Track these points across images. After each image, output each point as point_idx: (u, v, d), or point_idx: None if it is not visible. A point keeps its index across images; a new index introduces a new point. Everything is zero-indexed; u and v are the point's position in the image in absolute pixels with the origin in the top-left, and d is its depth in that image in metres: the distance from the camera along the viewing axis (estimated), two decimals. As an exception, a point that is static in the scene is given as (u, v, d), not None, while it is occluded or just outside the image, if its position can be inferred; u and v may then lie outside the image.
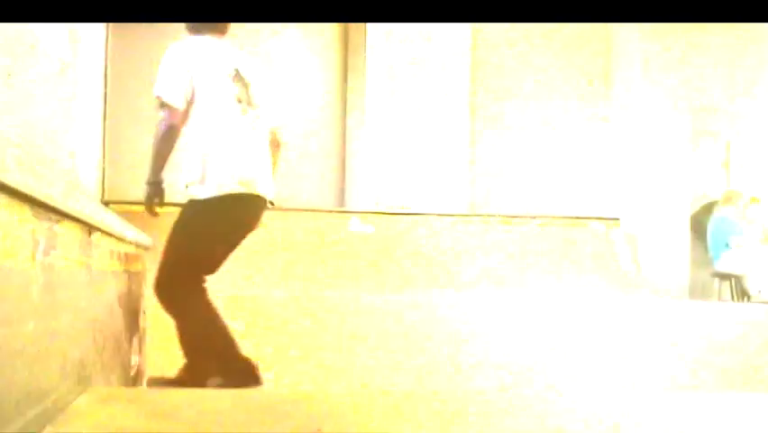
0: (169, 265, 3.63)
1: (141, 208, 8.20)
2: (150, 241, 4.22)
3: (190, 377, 3.38)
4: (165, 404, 1.96)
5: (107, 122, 8.09)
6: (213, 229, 3.75)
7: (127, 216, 7.94)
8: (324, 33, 9.34)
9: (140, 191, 8.04)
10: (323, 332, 5.48)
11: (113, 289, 2.29)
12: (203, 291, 3.62)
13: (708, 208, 9.45)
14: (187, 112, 3.64)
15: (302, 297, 6.65)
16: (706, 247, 9.08)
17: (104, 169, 8.09)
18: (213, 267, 3.78)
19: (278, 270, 7.94)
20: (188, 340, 3.48)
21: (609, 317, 5.87)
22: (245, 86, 3.72)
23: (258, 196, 3.84)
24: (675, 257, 8.98)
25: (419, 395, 3.21)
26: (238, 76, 3.68)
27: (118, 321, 2.38)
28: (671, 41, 8.89)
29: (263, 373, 3.58)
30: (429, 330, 5.50)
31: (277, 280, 7.86)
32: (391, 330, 5.53)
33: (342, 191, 9.23)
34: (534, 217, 8.71)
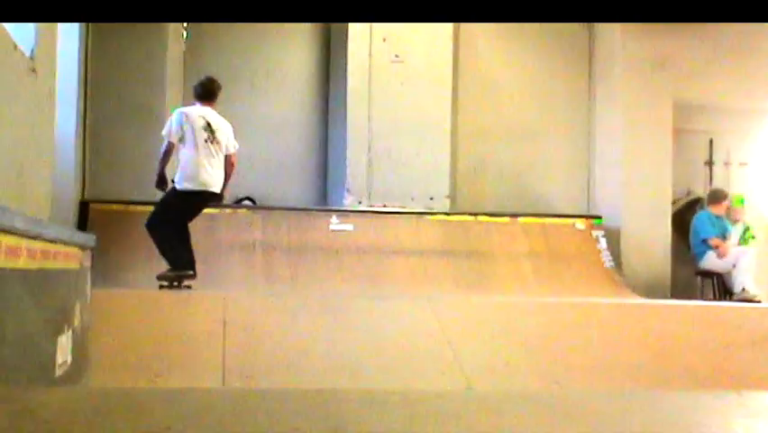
0: (158, 214, 6.75)
1: (120, 207, 8.26)
2: (92, 240, 4.25)
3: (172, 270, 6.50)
4: (33, 402, 1.93)
5: (87, 122, 8.07)
6: (181, 206, 6.72)
7: (106, 213, 8.07)
8: (306, 33, 9.31)
9: (119, 191, 8.16)
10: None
11: (17, 287, 2.25)
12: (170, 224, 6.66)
13: (691, 206, 9.46)
14: (179, 142, 6.65)
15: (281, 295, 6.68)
16: (689, 245, 9.07)
17: (83, 168, 8.07)
18: (180, 222, 6.74)
19: (258, 267, 7.96)
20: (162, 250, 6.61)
21: (583, 314, 5.85)
22: (212, 131, 6.74)
23: (210, 192, 6.75)
24: (658, 255, 8.98)
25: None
26: (208, 125, 6.71)
27: (29, 320, 2.35)
28: (652, 38, 8.88)
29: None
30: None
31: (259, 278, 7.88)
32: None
33: (324, 190, 9.21)
34: (517, 216, 8.70)
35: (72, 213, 7.76)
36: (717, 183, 9.59)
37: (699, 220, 8.66)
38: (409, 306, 5.66)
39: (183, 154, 6.67)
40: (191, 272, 6.60)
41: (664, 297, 8.66)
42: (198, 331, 5.00)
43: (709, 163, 9.71)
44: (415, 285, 7.80)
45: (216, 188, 6.77)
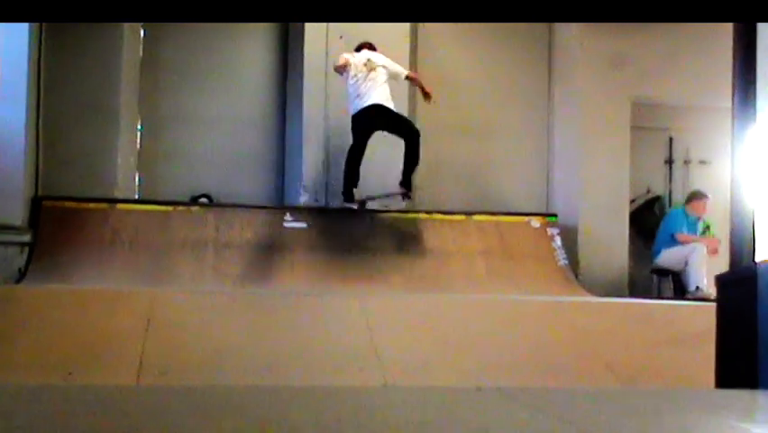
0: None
1: (74, 204, 8.25)
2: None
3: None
4: None
5: (40, 119, 8.07)
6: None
7: (59, 210, 8.07)
8: (264, 30, 9.32)
9: (73, 188, 8.16)
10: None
11: None
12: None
13: (649, 205, 9.46)
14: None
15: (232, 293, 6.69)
16: (647, 243, 9.08)
17: (37, 165, 8.08)
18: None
19: (209, 265, 7.96)
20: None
21: (515, 312, 5.86)
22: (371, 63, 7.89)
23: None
24: (615, 253, 8.98)
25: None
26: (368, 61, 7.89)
27: None
28: (610, 36, 8.88)
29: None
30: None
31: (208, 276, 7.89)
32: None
33: (281, 188, 9.22)
34: (471, 214, 8.70)
35: (23, 209, 7.76)
36: (677, 181, 9.60)
37: (672, 216, 8.69)
38: (339, 304, 5.66)
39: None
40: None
41: (621, 295, 8.67)
42: (120, 328, 5.00)
43: (669, 161, 9.72)
44: (365, 283, 7.81)
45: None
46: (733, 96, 7.19)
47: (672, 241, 8.53)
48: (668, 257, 8.53)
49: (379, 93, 7.83)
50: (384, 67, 7.97)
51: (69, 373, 4.50)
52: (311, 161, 8.72)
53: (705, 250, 8.26)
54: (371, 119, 7.80)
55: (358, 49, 8.21)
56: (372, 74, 7.88)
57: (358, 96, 7.87)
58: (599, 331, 5.57)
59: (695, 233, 8.64)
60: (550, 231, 8.66)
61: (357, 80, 7.90)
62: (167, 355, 4.85)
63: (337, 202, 8.64)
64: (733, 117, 6.61)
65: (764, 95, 6.52)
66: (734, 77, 7.27)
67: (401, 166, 8.77)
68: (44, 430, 1.81)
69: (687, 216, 8.64)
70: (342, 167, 8.71)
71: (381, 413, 2.16)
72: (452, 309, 5.82)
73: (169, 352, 4.87)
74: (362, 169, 8.71)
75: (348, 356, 4.98)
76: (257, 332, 5.15)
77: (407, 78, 8.20)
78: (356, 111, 7.85)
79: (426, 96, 8.11)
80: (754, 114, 6.36)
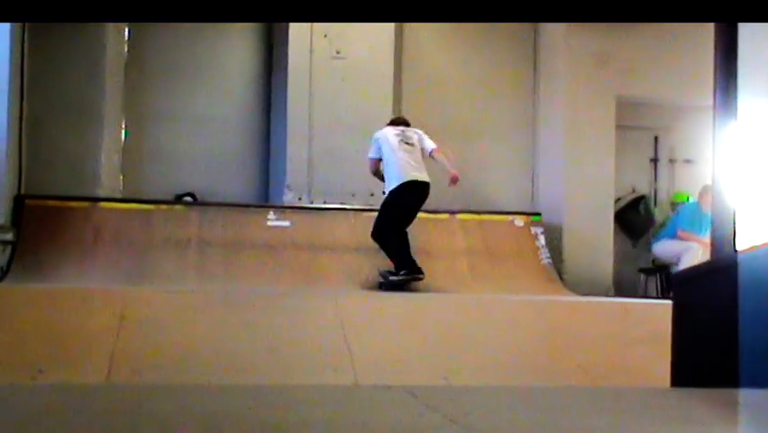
0: (381, 223, 7.46)
1: (57, 202, 8.26)
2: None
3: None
4: None
5: (24, 118, 8.07)
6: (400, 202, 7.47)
7: (42, 209, 8.07)
8: (248, 29, 9.32)
9: (56, 186, 8.16)
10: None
11: None
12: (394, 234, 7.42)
13: (634, 204, 9.47)
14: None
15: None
16: (632, 242, 9.10)
17: (20, 163, 8.08)
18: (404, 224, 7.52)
19: (191, 264, 7.97)
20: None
21: (490, 310, 5.86)
22: (407, 137, 7.63)
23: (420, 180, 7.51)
24: (600, 252, 8.98)
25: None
26: (402, 134, 7.63)
27: None
28: (595, 35, 8.88)
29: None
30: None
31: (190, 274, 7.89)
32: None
33: (266, 187, 9.23)
34: (455, 212, 8.70)
35: (6, 208, 7.75)
36: (662, 180, 9.61)
37: (683, 209, 8.71)
38: (313, 303, 5.67)
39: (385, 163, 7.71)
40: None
41: (606, 294, 8.67)
42: (93, 327, 5.01)
43: (654, 160, 9.72)
44: (348, 282, 7.82)
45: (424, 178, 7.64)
46: (714, 94, 7.19)
47: (675, 234, 8.53)
48: (663, 249, 8.55)
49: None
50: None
51: (39, 372, 4.50)
52: (295, 159, 8.72)
53: (700, 251, 8.16)
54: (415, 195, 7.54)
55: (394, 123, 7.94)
56: (409, 148, 7.62)
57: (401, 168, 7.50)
58: (574, 330, 5.58)
59: (706, 230, 8.58)
60: (533, 230, 8.66)
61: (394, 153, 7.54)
62: (138, 354, 4.86)
63: (321, 200, 8.67)
64: (714, 116, 6.62)
65: (745, 93, 6.53)
66: (715, 76, 7.27)
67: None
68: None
69: (702, 212, 8.41)
70: (326, 166, 8.74)
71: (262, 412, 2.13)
72: (428, 308, 5.83)
73: (140, 350, 4.88)
74: (347, 171, 8.75)
75: (320, 356, 4.98)
76: (230, 331, 5.15)
77: (431, 155, 7.76)
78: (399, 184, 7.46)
79: (453, 180, 7.62)
80: (735, 112, 6.36)
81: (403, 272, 7.33)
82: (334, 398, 2.27)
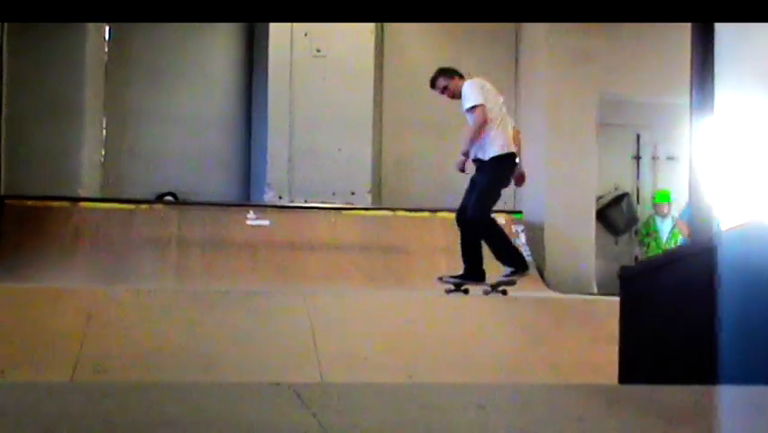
0: (487, 202, 6.27)
1: (37, 203, 8.25)
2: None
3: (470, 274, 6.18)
4: None
5: (3, 118, 8.07)
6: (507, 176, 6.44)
7: (22, 209, 8.07)
8: (229, 28, 9.32)
9: (37, 187, 8.15)
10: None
11: None
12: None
13: (617, 201, 9.46)
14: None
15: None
16: (614, 239, 9.08)
17: (0, 164, 8.08)
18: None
19: (171, 263, 7.96)
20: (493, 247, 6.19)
21: (460, 308, 5.86)
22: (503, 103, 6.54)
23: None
24: (582, 250, 8.98)
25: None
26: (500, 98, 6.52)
27: None
28: (576, 33, 8.86)
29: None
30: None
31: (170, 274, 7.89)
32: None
33: (246, 186, 9.23)
34: (436, 210, 8.69)
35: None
36: (645, 178, 9.60)
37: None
38: (283, 302, 5.66)
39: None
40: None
41: (589, 292, 8.67)
42: (60, 326, 4.99)
43: (637, 158, 9.71)
44: (327, 281, 7.81)
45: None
46: (691, 92, 7.19)
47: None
48: None
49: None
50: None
51: (1, 372, 4.50)
52: (276, 158, 8.72)
53: None
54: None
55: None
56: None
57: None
58: (544, 327, 5.57)
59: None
60: (514, 228, 8.65)
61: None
62: (104, 353, 4.84)
63: (302, 199, 8.67)
64: (691, 113, 6.60)
65: (721, 91, 6.52)
66: (692, 75, 7.26)
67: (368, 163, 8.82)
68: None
69: None
70: (307, 164, 8.74)
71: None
72: (398, 306, 5.83)
73: (106, 350, 4.87)
74: (328, 169, 8.75)
75: (287, 354, 4.98)
76: (198, 330, 5.15)
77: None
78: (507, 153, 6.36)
79: (520, 179, 6.75)
80: (712, 109, 6.36)
81: (510, 270, 6.21)
82: (217, 395, 2.24)
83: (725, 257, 2.55)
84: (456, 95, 6.61)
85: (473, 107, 6.29)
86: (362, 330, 5.35)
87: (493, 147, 6.28)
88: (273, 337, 5.13)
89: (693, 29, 7.20)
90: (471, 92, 6.34)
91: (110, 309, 5.31)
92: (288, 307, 5.57)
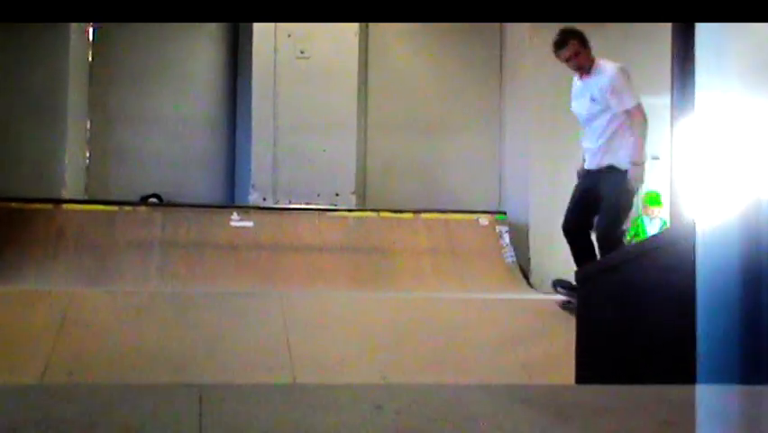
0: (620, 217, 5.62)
1: (19, 205, 8.23)
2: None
3: None
4: None
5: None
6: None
7: (3, 211, 8.05)
8: (213, 29, 9.32)
9: (21, 188, 8.13)
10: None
11: None
12: None
13: (601, 201, 9.45)
14: None
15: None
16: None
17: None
18: None
19: (154, 265, 7.95)
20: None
21: (437, 310, 5.86)
22: None
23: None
24: (566, 250, 8.94)
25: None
26: None
27: None
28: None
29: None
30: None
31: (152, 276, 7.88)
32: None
33: (231, 187, 9.22)
34: (420, 212, 8.69)
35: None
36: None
37: None
38: (258, 303, 5.66)
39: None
40: None
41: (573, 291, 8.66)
42: (32, 328, 4.99)
43: (622, 158, 9.69)
44: (310, 282, 7.79)
45: None
46: (672, 91, 7.19)
47: None
48: None
49: None
50: None
51: (-29, 374, 4.49)
52: (260, 159, 8.71)
53: None
54: None
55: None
56: None
57: None
58: (522, 328, 5.58)
59: None
60: (498, 229, 8.65)
61: None
62: (76, 355, 4.85)
63: (286, 200, 8.66)
64: (672, 112, 6.60)
65: (702, 90, 6.53)
66: (672, 73, 7.26)
67: (353, 164, 8.81)
68: None
69: None
70: (291, 165, 8.73)
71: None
72: (375, 308, 5.82)
73: (78, 352, 4.87)
74: (312, 171, 8.75)
75: (260, 355, 4.98)
76: (172, 331, 5.15)
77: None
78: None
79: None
80: (692, 109, 6.36)
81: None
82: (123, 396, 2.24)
83: (674, 256, 2.55)
84: (584, 68, 6.06)
85: (638, 104, 5.80)
86: (338, 332, 5.35)
87: (634, 152, 5.75)
88: (246, 339, 5.13)
89: (673, 28, 7.21)
90: (631, 85, 5.80)
91: (85, 311, 5.31)
92: (264, 308, 5.57)
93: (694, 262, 2.70)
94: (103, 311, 5.34)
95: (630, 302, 2.86)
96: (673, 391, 2.20)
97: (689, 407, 2.18)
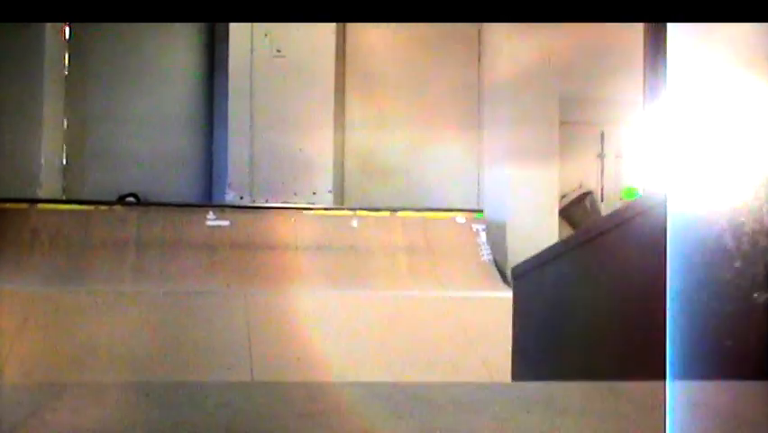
0: None
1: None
2: None
3: None
4: None
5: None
6: None
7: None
8: (190, 28, 9.30)
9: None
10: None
11: None
12: None
13: (580, 199, 9.45)
14: None
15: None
16: (578, 238, 9.04)
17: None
18: None
19: (128, 265, 7.93)
20: None
21: (402, 308, 5.84)
22: None
23: None
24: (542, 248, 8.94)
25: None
26: None
27: None
28: (537, 31, 8.84)
29: None
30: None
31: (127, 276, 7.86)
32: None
33: (208, 186, 9.20)
34: (397, 210, 8.67)
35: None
36: (610, 176, 9.59)
37: None
38: (221, 302, 5.64)
39: None
40: None
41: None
42: (-9, 328, 4.97)
43: (601, 156, 9.70)
44: (285, 281, 7.77)
45: None
46: (644, 89, 7.17)
47: None
48: None
49: None
50: None
51: None
52: (236, 158, 8.70)
53: None
54: None
55: None
56: None
57: None
58: (488, 326, 5.55)
59: None
60: (475, 227, 8.63)
61: None
62: (34, 355, 4.83)
63: (263, 199, 8.64)
64: (644, 111, 6.58)
65: (673, 87, 6.49)
66: (645, 74, 7.23)
67: (330, 163, 8.79)
68: None
69: None
70: (268, 164, 8.72)
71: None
72: (339, 307, 5.80)
73: (36, 352, 4.85)
74: (289, 169, 8.73)
75: (219, 354, 4.96)
76: (132, 330, 5.13)
77: None
78: None
79: None
80: (664, 104, 6.35)
81: None
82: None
83: (600, 251, 2.54)
84: None
85: None
86: (299, 330, 5.34)
87: None
88: (207, 337, 5.11)
89: (645, 28, 7.19)
90: None
91: (48, 312, 5.29)
92: (228, 307, 5.55)
93: (622, 256, 2.69)
94: (66, 312, 5.32)
95: (560, 297, 2.84)
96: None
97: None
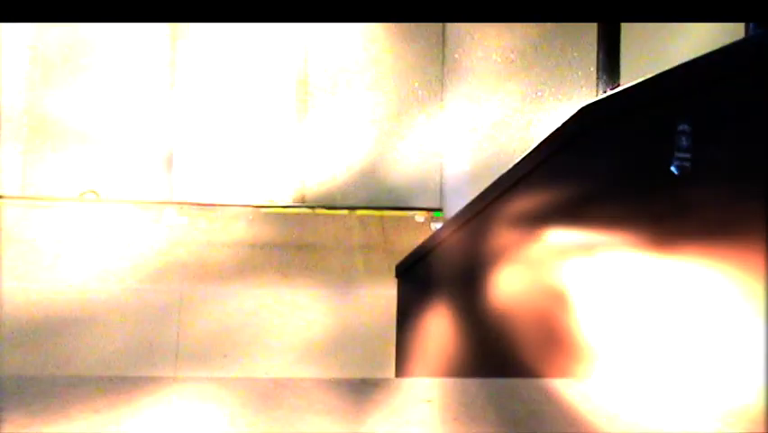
0: None
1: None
2: None
3: None
4: None
5: None
6: None
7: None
8: (152, 24, 9.29)
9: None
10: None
11: None
12: None
13: (542, 198, 9.44)
14: None
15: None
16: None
17: None
18: None
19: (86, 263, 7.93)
20: None
21: (356, 306, 5.83)
22: None
23: None
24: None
25: None
26: None
27: None
28: (502, 28, 8.85)
29: None
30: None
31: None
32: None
33: (170, 184, 9.20)
34: (355, 208, 8.68)
35: None
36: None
37: None
38: (155, 299, 5.64)
39: None
40: None
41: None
42: None
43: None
44: (240, 278, 7.78)
45: None
46: (597, 88, 7.15)
47: None
48: None
49: None
50: None
51: None
52: (199, 155, 8.70)
53: None
54: None
55: None
56: None
57: None
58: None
59: None
60: (433, 225, 8.64)
61: None
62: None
63: (221, 197, 8.64)
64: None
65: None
66: (598, 73, 7.23)
67: (289, 160, 8.78)
68: None
69: None
70: (228, 161, 8.72)
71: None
72: (281, 303, 5.80)
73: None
74: (248, 167, 8.74)
75: (150, 350, 4.96)
76: (63, 327, 5.12)
77: None
78: None
79: None
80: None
81: None
82: None
83: (460, 246, 2.53)
84: None
85: None
86: (229, 328, 5.33)
87: None
88: (135, 334, 5.11)
89: (599, 28, 7.18)
90: None
91: None
92: (160, 303, 5.55)
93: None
94: (2, 307, 5.32)
95: (432, 292, 2.84)
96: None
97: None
